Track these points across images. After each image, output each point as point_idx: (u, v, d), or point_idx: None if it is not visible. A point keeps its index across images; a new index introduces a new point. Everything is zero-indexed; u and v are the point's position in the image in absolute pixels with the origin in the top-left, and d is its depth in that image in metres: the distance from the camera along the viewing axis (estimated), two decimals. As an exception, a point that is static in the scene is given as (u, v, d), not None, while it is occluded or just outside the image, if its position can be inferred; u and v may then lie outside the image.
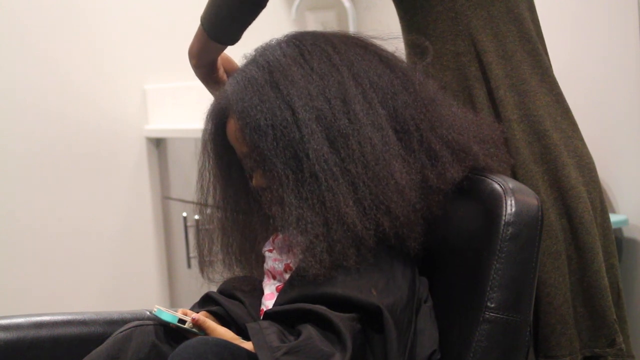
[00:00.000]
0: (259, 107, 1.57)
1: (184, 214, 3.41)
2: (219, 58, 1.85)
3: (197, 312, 1.63)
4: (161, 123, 3.68)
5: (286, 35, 1.67)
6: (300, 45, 1.63)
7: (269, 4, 1.75)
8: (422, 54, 1.76)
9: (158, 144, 3.72)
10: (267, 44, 1.67)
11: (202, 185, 1.71)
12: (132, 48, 3.66)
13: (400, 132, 1.59)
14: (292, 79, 1.58)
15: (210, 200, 1.71)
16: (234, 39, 1.78)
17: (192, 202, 3.43)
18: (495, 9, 1.82)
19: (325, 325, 1.47)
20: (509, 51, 1.81)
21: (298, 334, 1.48)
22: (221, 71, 1.85)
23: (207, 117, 1.68)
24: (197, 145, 3.42)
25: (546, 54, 1.88)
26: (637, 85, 2.72)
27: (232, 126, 1.63)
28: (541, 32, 1.90)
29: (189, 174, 3.47)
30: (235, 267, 1.72)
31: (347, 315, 1.48)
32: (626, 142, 2.77)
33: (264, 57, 1.63)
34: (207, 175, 1.70)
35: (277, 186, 1.56)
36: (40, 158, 3.55)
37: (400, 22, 1.88)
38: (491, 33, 1.81)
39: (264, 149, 1.56)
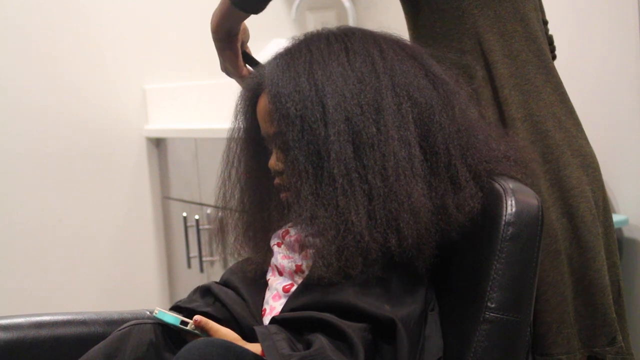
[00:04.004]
0: (291, 96, 1.56)
1: (184, 214, 3.41)
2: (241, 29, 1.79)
3: (197, 304, 1.63)
4: (161, 123, 3.68)
5: (338, 28, 1.65)
6: (348, 42, 1.60)
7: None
8: (470, 78, 1.75)
9: (158, 144, 3.72)
10: (318, 31, 1.65)
11: (227, 157, 1.70)
12: (132, 48, 3.66)
13: (429, 153, 1.56)
14: (329, 76, 1.56)
15: (234, 175, 1.70)
16: (258, 7, 1.73)
17: (192, 202, 3.44)
18: (503, 9, 1.81)
19: (336, 335, 1.46)
20: (514, 51, 1.81)
21: (307, 343, 1.46)
22: (239, 43, 1.79)
23: (242, 89, 1.68)
24: (197, 145, 3.45)
25: (550, 52, 1.89)
26: (637, 85, 2.72)
27: (262, 104, 1.62)
28: (545, 32, 1.90)
29: (189, 174, 3.47)
30: (247, 250, 1.71)
31: (358, 325, 1.47)
32: (626, 142, 2.77)
33: (308, 46, 1.61)
34: (234, 146, 1.70)
35: (296, 178, 1.55)
36: (40, 158, 3.54)
37: (406, 19, 1.88)
38: (497, 32, 1.81)
39: (288, 138, 1.55)
